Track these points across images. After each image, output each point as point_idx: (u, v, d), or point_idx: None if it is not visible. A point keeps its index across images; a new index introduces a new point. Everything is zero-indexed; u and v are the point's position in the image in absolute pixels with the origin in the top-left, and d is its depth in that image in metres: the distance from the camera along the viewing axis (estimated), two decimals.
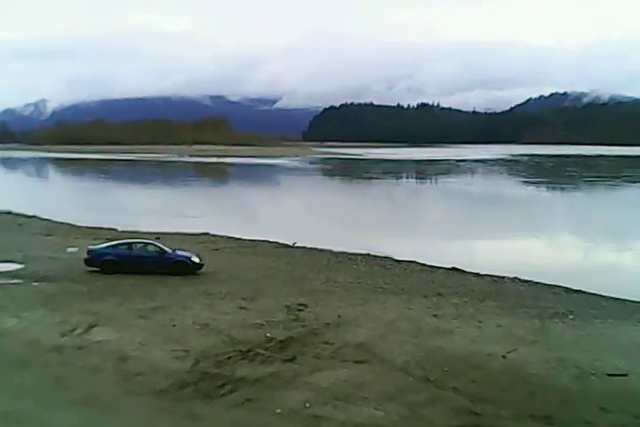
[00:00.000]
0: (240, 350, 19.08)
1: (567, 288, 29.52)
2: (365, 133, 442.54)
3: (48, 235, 44.64)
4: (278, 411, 15.04)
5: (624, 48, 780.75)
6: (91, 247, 32.18)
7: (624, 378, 17.55)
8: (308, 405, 15.35)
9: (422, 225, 57.79)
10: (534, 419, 14.81)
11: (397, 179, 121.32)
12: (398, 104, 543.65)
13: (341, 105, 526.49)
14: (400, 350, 19.37)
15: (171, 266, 30.73)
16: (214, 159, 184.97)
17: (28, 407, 14.89)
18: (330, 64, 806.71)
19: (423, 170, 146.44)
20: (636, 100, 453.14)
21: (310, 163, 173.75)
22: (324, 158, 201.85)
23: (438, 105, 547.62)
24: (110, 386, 16.57)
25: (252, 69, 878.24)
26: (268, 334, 20.73)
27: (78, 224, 50.33)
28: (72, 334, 20.72)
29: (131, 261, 30.75)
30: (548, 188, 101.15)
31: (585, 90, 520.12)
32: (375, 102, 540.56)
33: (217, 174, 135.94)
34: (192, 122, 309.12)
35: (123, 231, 45.26)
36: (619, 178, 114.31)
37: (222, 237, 44.53)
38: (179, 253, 32.04)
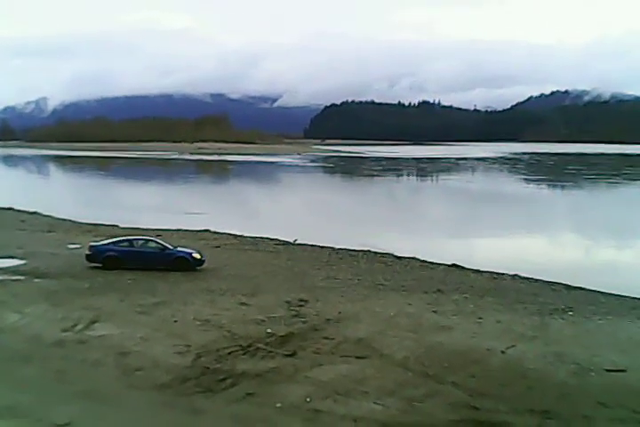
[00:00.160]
0: (241, 346, 19.19)
1: (567, 285, 29.59)
2: (366, 131, 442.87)
3: (49, 231, 44.80)
4: (279, 405, 15.14)
5: (625, 46, 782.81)
6: (92, 243, 32.33)
7: (622, 374, 17.65)
8: (308, 399, 15.44)
9: (423, 222, 57.94)
10: (532, 413, 14.90)
11: (398, 177, 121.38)
12: (399, 102, 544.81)
13: (342, 103, 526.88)
14: (400, 346, 19.48)
15: (172, 262, 30.85)
16: (215, 157, 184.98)
17: (30, 401, 14.99)
18: (331, 62, 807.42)
19: (424, 168, 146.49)
20: (637, 98, 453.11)
21: (311, 161, 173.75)
22: (325, 156, 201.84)
23: (439, 103, 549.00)
24: (111, 380, 16.67)
25: (252, 67, 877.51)
26: (269, 330, 20.85)
27: (79, 221, 50.41)
28: (73, 330, 20.86)
29: (132, 258, 30.88)
30: (548, 186, 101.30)
31: (586, 88, 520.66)
32: (376, 100, 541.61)
33: (218, 172, 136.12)
34: (193, 119, 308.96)
35: (124, 228, 45.31)
36: (619, 176, 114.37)
37: (223, 233, 44.59)
38: (180, 249, 32.15)
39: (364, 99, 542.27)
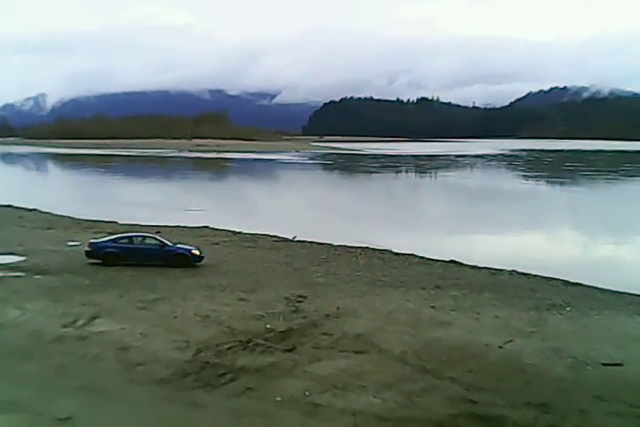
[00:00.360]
0: (240, 341, 19.33)
1: (565, 281, 29.70)
2: (365, 128, 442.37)
3: (49, 228, 44.87)
4: (278, 399, 15.28)
5: (624, 43, 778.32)
6: (92, 240, 32.48)
7: (619, 368, 17.82)
8: (307, 393, 15.58)
9: (421, 219, 58.08)
10: (530, 407, 15.04)
11: (397, 173, 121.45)
12: (398, 99, 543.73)
13: (341, 99, 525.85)
14: (398, 341, 19.62)
15: (171, 258, 30.99)
16: (213, 154, 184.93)
17: (31, 396, 15.11)
18: (330, 58, 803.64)
19: (422, 165, 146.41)
20: (636, 94, 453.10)
21: (310, 158, 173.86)
22: (324, 153, 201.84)
23: (438, 100, 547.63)
24: (112, 375, 16.81)
25: (251, 63, 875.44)
26: (268, 325, 21.00)
27: (79, 217, 50.50)
28: (74, 325, 21.00)
29: (131, 254, 31.05)
30: (545, 182, 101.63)
31: (585, 84, 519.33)
32: (375, 97, 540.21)
33: (216, 169, 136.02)
34: (191, 116, 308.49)
35: (123, 224, 45.41)
36: (616, 172, 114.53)
37: (222, 230, 44.66)
38: (179, 245, 32.29)
39: (363, 95, 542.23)
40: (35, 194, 71.09)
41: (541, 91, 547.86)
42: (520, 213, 61.48)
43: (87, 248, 31.66)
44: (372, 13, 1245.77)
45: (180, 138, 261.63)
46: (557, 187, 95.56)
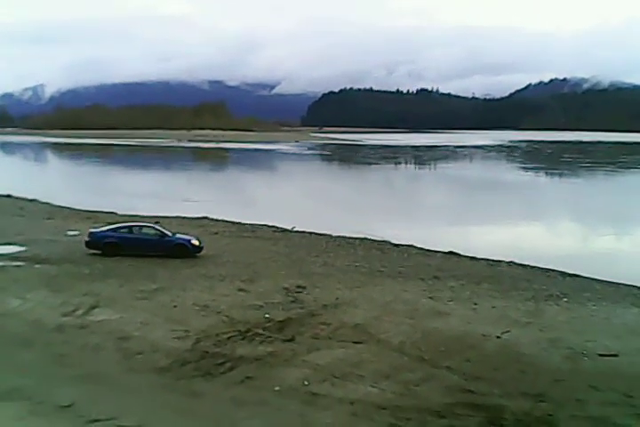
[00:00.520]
0: (239, 331, 19.47)
1: (562, 272, 29.83)
2: (365, 119, 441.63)
3: (48, 218, 45.00)
4: (277, 388, 15.42)
5: (624, 34, 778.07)
6: (92, 230, 32.56)
7: (615, 358, 17.96)
8: (306, 382, 15.73)
9: (420, 210, 58.22)
10: (526, 397, 15.18)
11: (396, 164, 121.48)
12: (398, 89, 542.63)
13: (341, 90, 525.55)
14: (396, 331, 19.77)
15: (171, 249, 31.07)
16: (212, 144, 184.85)
17: (32, 384, 15.25)
18: (329, 49, 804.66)
19: (421, 156, 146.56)
20: (636, 86, 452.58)
21: (309, 148, 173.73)
22: (323, 144, 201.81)
23: (437, 91, 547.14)
24: (112, 364, 16.95)
25: (250, 54, 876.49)
26: (267, 315, 21.14)
27: (78, 208, 50.60)
28: (74, 315, 21.13)
29: (131, 244, 31.11)
30: (544, 173, 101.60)
31: (585, 76, 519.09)
32: (375, 88, 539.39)
33: (216, 159, 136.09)
34: (191, 107, 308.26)
35: (122, 215, 45.48)
36: (614, 164, 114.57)
37: (221, 221, 44.80)
38: (178, 236, 32.38)
39: (362, 86, 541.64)
40: (34, 184, 71.24)
41: (541, 82, 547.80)
42: (518, 204, 61.58)
43: (87, 238, 31.74)
44: (371, 4, 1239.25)
45: (179, 129, 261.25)
46: (556, 178, 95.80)
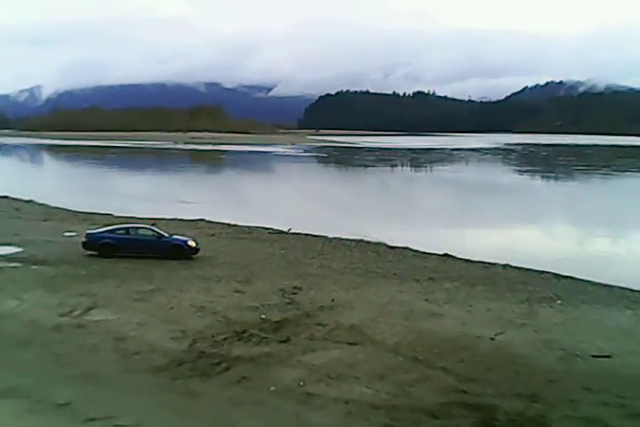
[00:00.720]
0: (236, 331, 19.60)
1: (556, 274, 29.92)
2: (361, 121, 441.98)
3: (45, 220, 45.03)
4: (272, 389, 15.56)
5: (621, 38, 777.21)
6: (89, 231, 32.69)
7: (608, 360, 18.12)
8: (301, 383, 15.87)
9: (415, 212, 58.34)
10: (519, 397, 15.33)
11: (392, 167, 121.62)
12: (394, 92, 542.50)
13: (337, 93, 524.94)
14: (391, 332, 19.91)
15: (167, 250, 31.19)
16: (209, 147, 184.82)
17: (31, 383, 15.39)
18: (327, 51, 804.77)
19: (417, 158, 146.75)
20: (632, 89, 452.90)
21: (305, 151, 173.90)
22: (320, 146, 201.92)
23: (434, 93, 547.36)
24: (109, 364, 17.09)
25: (247, 56, 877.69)
26: (263, 316, 21.27)
27: (74, 209, 50.63)
28: (71, 315, 21.26)
29: (128, 245, 31.25)
30: (539, 176, 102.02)
31: (581, 79, 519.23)
32: (371, 90, 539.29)
33: (212, 161, 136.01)
34: (187, 109, 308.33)
35: (119, 217, 45.54)
36: (608, 167, 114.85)
37: (218, 223, 44.86)
38: (175, 237, 32.51)
39: (358, 88, 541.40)
40: (30, 185, 71.19)
41: (537, 85, 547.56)
42: (513, 206, 61.86)
43: (84, 239, 31.86)
44: (371, 6, 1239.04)
45: (175, 131, 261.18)
46: (550, 181, 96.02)
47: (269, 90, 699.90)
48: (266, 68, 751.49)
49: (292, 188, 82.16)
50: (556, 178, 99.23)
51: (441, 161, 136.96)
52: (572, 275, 29.71)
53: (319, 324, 20.64)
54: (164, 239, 31.62)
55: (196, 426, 13.85)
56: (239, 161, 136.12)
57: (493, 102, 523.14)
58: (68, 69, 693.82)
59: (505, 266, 31.80)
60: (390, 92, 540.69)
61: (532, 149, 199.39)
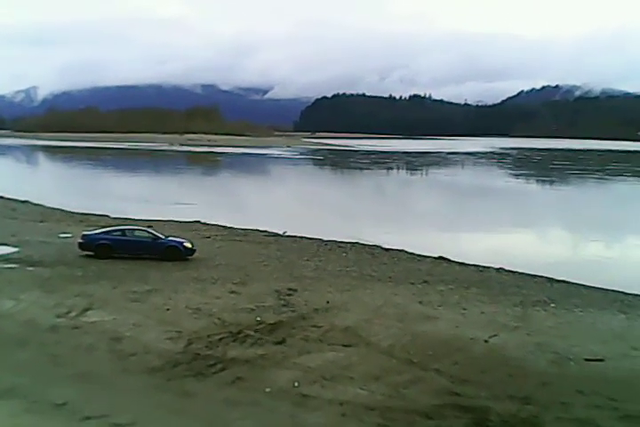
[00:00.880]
0: (231, 333, 19.70)
1: (550, 278, 30.10)
2: (357, 124, 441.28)
3: (41, 220, 45.03)
4: (268, 390, 15.66)
5: (617, 42, 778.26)
6: (85, 232, 32.81)
7: (600, 363, 18.27)
8: (296, 384, 15.96)
9: (411, 215, 58.52)
10: (512, 399, 15.47)
11: (388, 170, 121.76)
12: (390, 95, 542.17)
13: (333, 95, 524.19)
14: (386, 334, 20.03)
15: (163, 251, 31.30)
16: (205, 149, 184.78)
17: (27, 383, 15.45)
18: (324, 53, 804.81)
19: (413, 162, 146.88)
20: (628, 93, 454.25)
21: (301, 153, 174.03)
22: (315, 149, 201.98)
23: (430, 97, 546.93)
24: (105, 364, 17.16)
25: (244, 58, 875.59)
26: (259, 318, 21.37)
27: (70, 210, 50.67)
28: (67, 316, 21.32)
29: (124, 246, 31.36)
30: (533, 181, 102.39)
31: (577, 83, 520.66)
32: (367, 93, 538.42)
33: (208, 163, 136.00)
34: (183, 111, 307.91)
35: (115, 218, 45.66)
36: (602, 172, 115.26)
37: (213, 225, 44.96)
38: (171, 238, 32.62)
39: (354, 91, 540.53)
40: (26, 186, 71.18)
41: (533, 89, 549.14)
42: (507, 210, 62.15)
43: (80, 240, 31.95)
44: (370, 8, 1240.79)
45: (171, 132, 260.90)
46: (545, 185, 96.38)
47: (265, 92, 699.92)
48: (262, 71, 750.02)
49: (287, 190, 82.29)
50: (550, 182, 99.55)
51: (436, 164, 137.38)
52: (565, 279, 29.91)
53: (314, 326, 20.75)
54: (159, 240, 31.74)
55: (191, 425, 13.94)
56: (235, 163, 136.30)
57: (489, 106, 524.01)
58: (64, 70, 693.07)
59: (499, 269, 31.98)
60: (386, 95, 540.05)
61: (526, 153, 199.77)
